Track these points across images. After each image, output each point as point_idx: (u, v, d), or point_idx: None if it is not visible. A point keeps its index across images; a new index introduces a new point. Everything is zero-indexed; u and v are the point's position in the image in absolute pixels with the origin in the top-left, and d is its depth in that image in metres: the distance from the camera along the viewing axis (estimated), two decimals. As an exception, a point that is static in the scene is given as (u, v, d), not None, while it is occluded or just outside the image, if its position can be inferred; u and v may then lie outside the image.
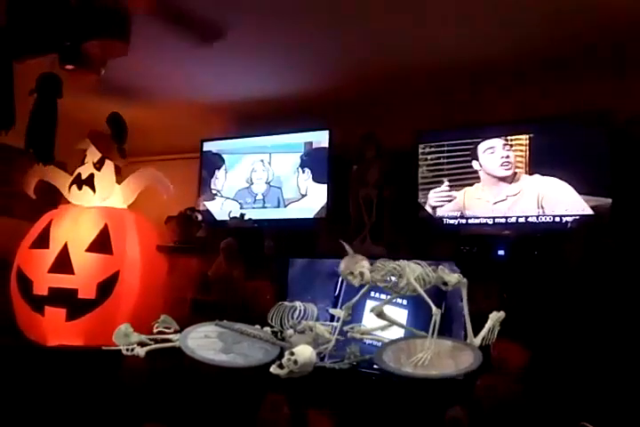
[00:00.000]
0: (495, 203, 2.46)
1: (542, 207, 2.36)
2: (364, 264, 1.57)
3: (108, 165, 2.81)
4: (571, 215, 2.28)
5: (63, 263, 2.59)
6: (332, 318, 1.90)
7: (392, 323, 1.65)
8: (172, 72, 2.64)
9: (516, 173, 2.45)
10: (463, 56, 2.31)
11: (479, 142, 2.53)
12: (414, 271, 1.55)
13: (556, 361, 1.93)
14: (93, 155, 2.79)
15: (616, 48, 2.17)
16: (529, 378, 1.92)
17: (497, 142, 2.50)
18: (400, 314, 2.05)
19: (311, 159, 2.93)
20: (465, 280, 1.60)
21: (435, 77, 2.50)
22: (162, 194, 2.87)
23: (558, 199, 2.33)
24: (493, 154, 2.50)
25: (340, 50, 2.34)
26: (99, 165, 2.77)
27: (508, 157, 2.47)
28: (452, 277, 1.58)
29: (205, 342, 1.65)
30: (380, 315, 1.58)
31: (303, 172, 2.94)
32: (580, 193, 2.29)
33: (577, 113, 2.35)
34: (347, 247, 1.63)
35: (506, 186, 2.46)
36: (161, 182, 2.87)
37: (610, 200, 2.20)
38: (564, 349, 1.94)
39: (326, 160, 2.88)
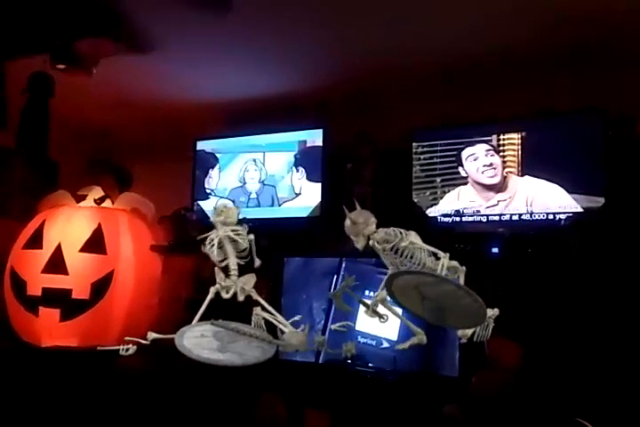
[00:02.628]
0: (487, 208, 2.46)
1: (532, 211, 2.37)
2: (373, 220, 1.52)
3: (108, 203, 2.88)
4: (564, 213, 2.30)
5: (57, 264, 2.58)
6: (327, 316, 1.91)
7: (392, 312, 1.62)
8: (167, 71, 2.63)
9: (505, 178, 2.43)
10: (455, 55, 2.32)
11: (463, 148, 2.52)
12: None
13: (551, 358, 1.94)
14: (96, 193, 2.87)
15: (610, 46, 2.18)
16: (524, 375, 1.93)
17: (479, 149, 2.49)
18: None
19: (305, 158, 2.92)
20: (464, 268, 1.59)
21: (428, 76, 2.51)
22: (146, 215, 2.95)
23: (547, 202, 2.34)
24: (476, 161, 2.49)
25: (334, 49, 2.35)
26: (99, 201, 2.86)
27: (491, 164, 2.46)
28: (452, 262, 1.58)
29: (201, 341, 1.64)
30: (383, 302, 1.55)
31: (297, 170, 2.93)
32: (572, 192, 2.29)
33: (571, 110, 2.36)
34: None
35: (493, 195, 2.45)
36: (143, 205, 2.95)
37: (602, 199, 2.22)
38: (558, 346, 1.95)
39: (320, 159, 2.87)
